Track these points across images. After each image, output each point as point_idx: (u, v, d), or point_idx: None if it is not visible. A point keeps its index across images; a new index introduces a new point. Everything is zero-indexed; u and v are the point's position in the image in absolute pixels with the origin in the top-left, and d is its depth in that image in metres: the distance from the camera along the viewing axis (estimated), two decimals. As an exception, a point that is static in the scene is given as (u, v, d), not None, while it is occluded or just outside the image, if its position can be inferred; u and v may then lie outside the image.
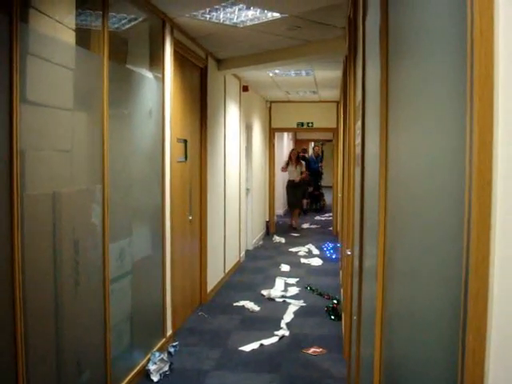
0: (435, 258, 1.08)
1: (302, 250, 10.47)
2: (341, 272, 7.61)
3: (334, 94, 10.72)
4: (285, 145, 17.41)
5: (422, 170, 1.23)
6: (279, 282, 7.86)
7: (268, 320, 6.15)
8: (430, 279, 1.13)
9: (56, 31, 3.26)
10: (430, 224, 1.14)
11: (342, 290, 6.67)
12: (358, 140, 3.39)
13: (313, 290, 7.44)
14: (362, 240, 2.91)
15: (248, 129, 10.21)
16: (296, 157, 13.62)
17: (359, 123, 3.23)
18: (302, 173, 13.50)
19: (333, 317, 6.20)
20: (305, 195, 15.39)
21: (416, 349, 1.26)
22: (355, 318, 3.19)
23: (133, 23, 4.51)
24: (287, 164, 13.58)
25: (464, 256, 0.81)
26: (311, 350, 5.17)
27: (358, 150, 3.36)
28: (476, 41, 0.77)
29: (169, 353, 4.94)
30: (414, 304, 1.30)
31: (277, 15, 5.06)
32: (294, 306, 6.72)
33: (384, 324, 1.83)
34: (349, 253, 4.14)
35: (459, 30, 0.87)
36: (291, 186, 13.52)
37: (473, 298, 0.77)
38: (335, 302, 6.64)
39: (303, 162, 13.84)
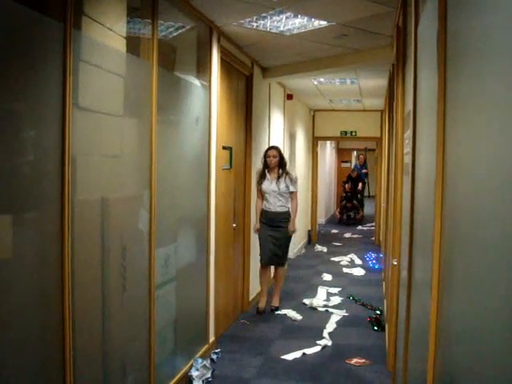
0: (509, 269, 1.04)
1: (344, 260, 10.38)
2: (384, 282, 7.51)
3: (379, 102, 10.61)
4: (327, 154, 17.32)
5: (494, 180, 1.19)
6: (321, 292, 7.80)
7: (310, 329, 6.09)
8: (503, 293, 1.09)
9: (107, 38, 3.30)
10: (503, 236, 1.10)
11: (385, 301, 6.58)
12: (407, 149, 3.35)
13: (355, 300, 7.35)
14: (411, 250, 2.85)
15: (292, 137, 10.19)
16: (278, 162, 6.55)
17: (409, 132, 3.18)
18: (292, 197, 6.68)
19: (376, 327, 6.11)
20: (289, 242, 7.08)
21: (482, 367, 1.21)
22: (402, 329, 3.13)
23: (181, 31, 4.55)
24: (262, 176, 6.64)
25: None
26: (354, 361, 5.10)
27: (407, 159, 3.32)
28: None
29: (211, 359, 4.94)
30: (481, 319, 1.25)
31: (324, 23, 5.04)
32: (337, 315, 6.65)
33: (439, 338, 1.78)
34: (395, 263, 4.08)
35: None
36: (269, 224, 6.60)
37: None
38: (378, 312, 6.56)
39: (294, 175, 6.76)
